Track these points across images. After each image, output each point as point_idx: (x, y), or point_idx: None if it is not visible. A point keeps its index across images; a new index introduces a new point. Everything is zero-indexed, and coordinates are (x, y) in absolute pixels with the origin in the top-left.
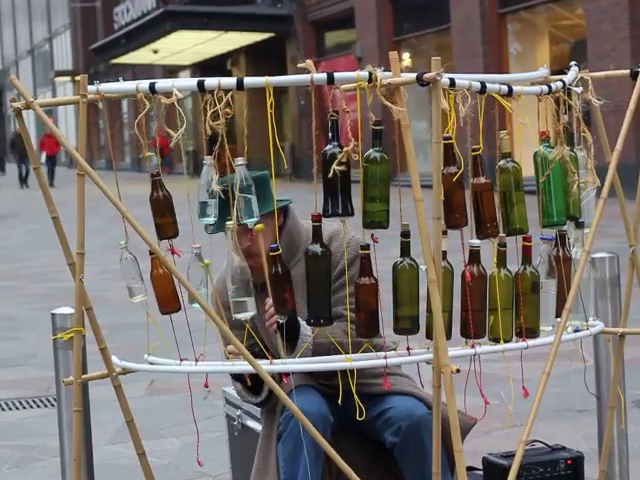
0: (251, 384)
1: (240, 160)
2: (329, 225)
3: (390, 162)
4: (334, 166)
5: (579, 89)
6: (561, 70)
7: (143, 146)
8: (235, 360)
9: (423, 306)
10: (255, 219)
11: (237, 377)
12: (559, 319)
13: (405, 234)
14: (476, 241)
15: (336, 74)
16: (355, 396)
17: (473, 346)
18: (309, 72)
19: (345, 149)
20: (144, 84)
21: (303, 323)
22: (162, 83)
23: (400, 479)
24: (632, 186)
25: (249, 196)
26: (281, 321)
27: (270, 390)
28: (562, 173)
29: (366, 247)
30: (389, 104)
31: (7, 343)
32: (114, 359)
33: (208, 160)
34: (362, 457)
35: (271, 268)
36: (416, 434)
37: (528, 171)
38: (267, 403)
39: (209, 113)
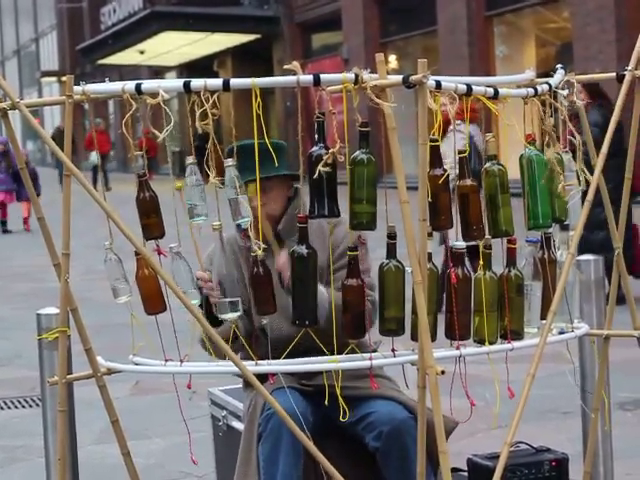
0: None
1: (230, 161)
2: None
3: (376, 164)
4: (320, 167)
5: (565, 91)
6: (547, 73)
7: (131, 146)
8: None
9: (408, 307)
10: (247, 219)
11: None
12: (544, 321)
13: (391, 236)
14: (461, 243)
15: (322, 76)
16: (340, 398)
17: (458, 348)
18: (295, 73)
19: (331, 150)
20: (130, 85)
21: (321, 288)
22: (148, 84)
23: None
24: None
25: (239, 196)
26: (264, 322)
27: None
28: (548, 175)
29: (354, 249)
30: (378, 100)
31: None
32: (99, 359)
33: (191, 160)
34: (345, 460)
35: (252, 269)
36: (397, 438)
37: (514, 174)
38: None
39: (197, 114)
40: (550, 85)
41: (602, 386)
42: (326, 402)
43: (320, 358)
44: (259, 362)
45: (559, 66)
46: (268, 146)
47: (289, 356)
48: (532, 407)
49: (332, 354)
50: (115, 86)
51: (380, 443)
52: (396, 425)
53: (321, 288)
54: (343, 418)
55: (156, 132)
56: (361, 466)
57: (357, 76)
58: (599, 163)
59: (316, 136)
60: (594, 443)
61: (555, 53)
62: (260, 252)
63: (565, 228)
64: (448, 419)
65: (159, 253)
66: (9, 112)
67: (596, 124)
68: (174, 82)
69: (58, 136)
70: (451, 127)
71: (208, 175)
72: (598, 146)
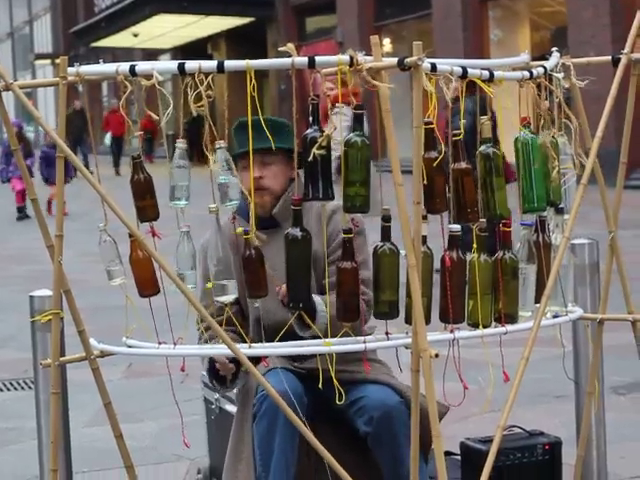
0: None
1: (222, 143)
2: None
3: (370, 146)
4: (314, 150)
5: (561, 75)
6: (542, 56)
7: (129, 127)
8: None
9: (402, 291)
10: (236, 202)
11: (212, 371)
12: (538, 305)
13: (386, 218)
14: (456, 226)
15: (317, 58)
16: (335, 381)
17: (452, 331)
18: (290, 56)
19: (326, 133)
20: (124, 66)
21: (317, 299)
22: (142, 65)
23: (375, 465)
24: (612, 172)
25: (230, 179)
26: (257, 305)
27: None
28: (543, 159)
29: (348, 231)
30: (376, 82)
31: None
32: (92, 342)
33: (180, 143)
34: (338, 443)
35: (244, 252)
36: (388, 424)
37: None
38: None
39: (190, 96)
40: (545, 68)
41: (596, 370)
42: (320, 385)
43: (314, 341)
44: (252, 345)
45: (554, 49)
46: (272, 123)
47: (282, 339)
48: (526, 391)
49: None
50: (109, 68)
51: (371, 428)
52: (387, 410)
53: (317, 298)
54: (339, 401)
55: (154, 115)
56: (354, 449)
57: (352, 58)
58: (594, 146)
59: (310, 118)
60: (588, 427)
61: (550, 37)
62: (254, 239)
63: (560, 211)
64: (440, 404)
65: (153, 235)
66: (3, 94)
67: (470, 112)
68: (168, 64)
69: (74, 119)
70: (334, 110)
71: (199, 158)
72: (472, 133)
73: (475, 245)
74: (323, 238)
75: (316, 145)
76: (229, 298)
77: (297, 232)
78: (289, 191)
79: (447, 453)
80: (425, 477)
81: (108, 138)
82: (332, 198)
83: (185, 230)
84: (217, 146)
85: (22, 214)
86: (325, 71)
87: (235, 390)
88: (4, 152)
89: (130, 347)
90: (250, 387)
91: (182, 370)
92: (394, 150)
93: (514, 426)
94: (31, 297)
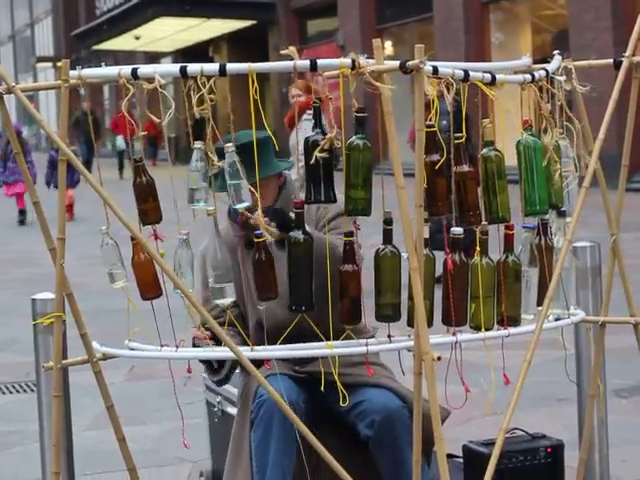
0: (216, 365)
1: (230, 146)
2: None
3: (372, 150)
4: (316, 153)
5: (562, 77)
6: (544, 59)
7: (131, 130)
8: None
9: (405, 294)
10: (246, 204)
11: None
12: (540, 308)
13: (387, 221)
14: (458, 229)
15: (319, 61)
16: (338, 383)
17: (454, 334)
18: (292, 59)
19: (328, 136)
20: (126, 69)
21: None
22: (144, 69)
23: (376, 469)
24: (614, 175)
25: (239, 181)
26: (261, 308)
27: (229, 370)
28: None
29: (349, 234)
30: (378, 84)
31: None
32: (94, 345)
33: (198, 144)
34: (339, 447)
35: (255, 255)
36: (389, 427)
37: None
38: (225, 382)
39: (194, 99)
40: (547, 71)
41: (598, 373)
42: (322, 388)
43: (316, 344)
44: (255, 347)
45: (556, 52)
46: (255, 144)
47: (282, 342)
48: (528, 394)
49: (327, 339)
50: (111, 71)
51: (372, 432)
52: (388, 414)
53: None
54: (343, 403)
55: (154, 118)
56: (354, 452)
57: (354, 61)
58: (596, 149)
59: (312, 121)
60: (590, 430)
61: (551, 40)
62: (270, 238)
63: (562, 214)
64: (441, 408)
65: (156, 238)
66: (5, 96)
67: (448, 113)
68: (170, 67)
69: (83, 120)
70: (304, 116)
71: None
72: (448, 133)
73: (478, 248)
74: (317, 222)
75: (318, 148)
76: (227, 301)
77: (299, 235)
78: (283, 194)
79: (449, 456)
80: None
81: (121, 141)
82: (334, 201)
83: (184, 238)
84: (226, 150)
85: (23, 217)
86: (327, 74)
87: (236, 393)
88: None
89: (132, 350)
90: (249, 393)
91: (188, 371)
92: (396, 153)
93: (516, 429)
94: (33, 300)
